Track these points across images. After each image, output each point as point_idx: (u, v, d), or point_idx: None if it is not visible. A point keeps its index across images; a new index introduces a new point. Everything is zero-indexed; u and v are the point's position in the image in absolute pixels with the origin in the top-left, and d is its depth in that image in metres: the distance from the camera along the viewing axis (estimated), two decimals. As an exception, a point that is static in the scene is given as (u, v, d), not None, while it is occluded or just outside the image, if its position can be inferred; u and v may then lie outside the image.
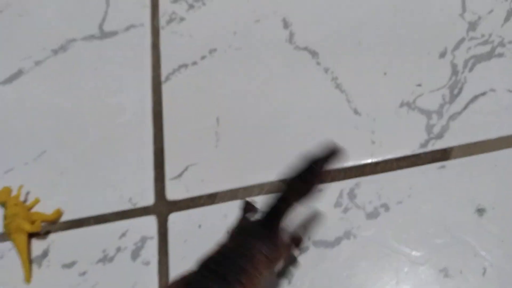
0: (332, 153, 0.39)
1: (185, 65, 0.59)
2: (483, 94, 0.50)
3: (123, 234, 0.51)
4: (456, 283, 0.42)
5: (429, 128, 0.50)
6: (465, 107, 0.50)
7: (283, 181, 0.39)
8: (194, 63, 0.59)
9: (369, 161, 0.50)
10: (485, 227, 0.44)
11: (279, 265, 0.43)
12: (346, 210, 0.47)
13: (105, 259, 0.50)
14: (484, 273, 0.42)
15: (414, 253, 0.44)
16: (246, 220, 0.42)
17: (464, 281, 0.42)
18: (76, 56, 0.63)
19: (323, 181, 0.40)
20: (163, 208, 0.52)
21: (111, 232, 0.52)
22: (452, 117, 0.50)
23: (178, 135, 0.56)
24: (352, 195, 0.48)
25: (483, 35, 0.52)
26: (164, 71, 0.60)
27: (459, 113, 0.50)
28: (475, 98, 0.50)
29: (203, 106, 0.57)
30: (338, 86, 0.54)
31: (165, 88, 0.59)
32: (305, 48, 0.57)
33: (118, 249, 0.51)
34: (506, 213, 0.44)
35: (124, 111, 0.59)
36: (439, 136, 0.49)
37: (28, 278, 0.50)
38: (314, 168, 0.39)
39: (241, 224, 0.42)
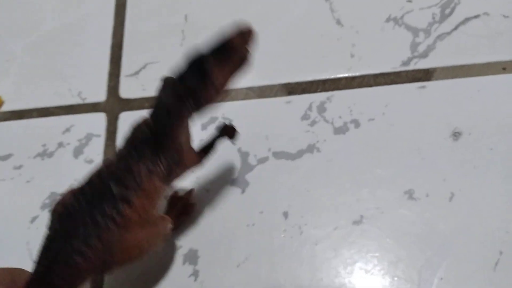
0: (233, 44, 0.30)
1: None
2: (476, 16, 0.46)
3: (67, 130, 0.47)
4: (420, 206, 0.39)
5: (414, 46, 0.46)
6: (455, 28, 0.46)
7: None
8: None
9: (345, 75, 0.45)
10: (459, 152, 0.40)
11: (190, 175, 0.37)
12: (313, 123, 0.43)
13: (44, 153, 0.46)
14: (451, 198, 0.39)
15: (379, 171, 0.40)
16: (139, 128, 0.33)
17: (429, 204, 0.39)
18: None
19: (217, 81, 0.30)
20: (114, 105, 0.47)
21: (54, 127, 0.47)
22: (440, 37, 0.46)
23: (140, 30, 0.50)
24: (322, 108, 0.44)
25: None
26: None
27: (448, 33, 0.46)
28: (467, 20, 0.46)
29: (172, 1, 0.51)
30: (323, -5, 0.49)
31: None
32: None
33: (60, 145, 0.46)
34: (483, 139, 0.40)
35: (84, 3, 0.53)
36: (424, 55, 0.45)
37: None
38: (202, 66, 0.30)
39: (133, 133, 0.33)
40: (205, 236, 0.40)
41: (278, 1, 0.49)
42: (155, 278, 0.39)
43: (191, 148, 0.34)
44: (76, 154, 0.45)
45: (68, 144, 0.46)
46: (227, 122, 0.38)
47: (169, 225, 0.34)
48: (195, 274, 0.39)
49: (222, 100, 0.33)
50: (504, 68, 0.44)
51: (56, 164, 0.42)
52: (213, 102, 0.31)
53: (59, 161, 0.44)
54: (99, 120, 0.47)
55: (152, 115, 0.32)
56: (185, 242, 0.40)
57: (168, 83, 0.31)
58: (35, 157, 0.45)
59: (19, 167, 0.45)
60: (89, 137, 0.46)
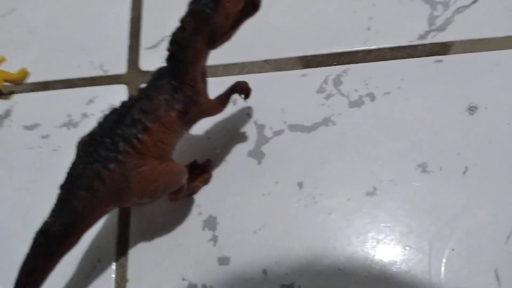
0: None
1: None
2: (499, -12, 0.45)
3: (91, 101, 0.48)
4: (432, 179, 0.39)
5: (431, 19, 0.45)
6: (475, 1, 0.45)
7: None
8: None
9: (361, 48, 0.45)
10: (474, 126, 0.41)
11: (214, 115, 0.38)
12: (328, 96, 0.44)
13: (70, 123, 0.47)
14: (465, 172, 0.39)
15: (393, 145, 0.41)
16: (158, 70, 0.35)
17: (442, 178, 0.39)
18: None
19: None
20: (135, 77, 0.48)
21: (78, 98, 0.49)
22: (459, 10, 0.45)
23: (158, 3, 0.51)
24: (338, 81, 0.44)
25: None
26: None
27: (467, 6, 0.45)
28: (489, -8, 0.45)
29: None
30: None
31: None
32: None
33: (84, 115, 0.48)
34: (499, 114, 0.41)
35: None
36: (441, 28, 0.45)
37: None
38: None
39: (157, 69, 0.35)
40: (224, 204, 0.41)
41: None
42: (176, 241, 0.41)
43: (206, 91, 0.36)
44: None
45: (92, 114, 0.47)
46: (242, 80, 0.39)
47: (186, 174, 0.36)
48: (214, 239, 0.41)
49: (232, 34, 0.34)
50: (525, 42, 0.43)
51: (81, 133, 0.44)
52: (224, 28, 0.33)
53: (84, 131, 0.46)
54: (121, 91, 0.48)
55: (171, 42, 0.33)
56: (205, 209, 0.41)
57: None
58: (61, 126, 0.47)
59: (46, 136, 0.47)
60: (111, 108, 0.47)
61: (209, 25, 0.32)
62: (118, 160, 0.31)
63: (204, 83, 0.36)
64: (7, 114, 0.49)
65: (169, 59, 0.34)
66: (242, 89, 0.40)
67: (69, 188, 0.32)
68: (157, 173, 0.33)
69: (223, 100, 0.38)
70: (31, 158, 0.46)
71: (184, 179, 0.36)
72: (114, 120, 0.32)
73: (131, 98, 0.34)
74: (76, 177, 0.32)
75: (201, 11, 0.32)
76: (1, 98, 0.49)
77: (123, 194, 0.32)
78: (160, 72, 0.34)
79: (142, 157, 0.32)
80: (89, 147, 0.32)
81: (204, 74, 0.36)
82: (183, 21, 0.33)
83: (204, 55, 0.34)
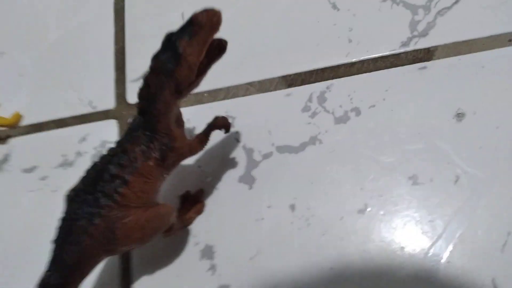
0: (200, 19, 0.31)
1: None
2: (480, -14, 0.44)
3: (83, 138, 0.49)
4: (425, 191, 0.39)
5: (413, 24, 0.45)
6: (456, 1, 0.44)
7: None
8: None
9: (344, 61, 0.45)
10: (463, 133, 0.40)
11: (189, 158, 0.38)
12: (314, 114, 0.44)
13: (65, 163, 0.49)
14: (456, 181, 0.39)
15: (382, 158, 0.41)
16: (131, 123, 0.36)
17: (434, 189, 0.39)
18: None
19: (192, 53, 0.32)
20: (123, 111, 0.49)
21: (71, 136, 0.50)
22: (440, 13, 0.44)
23: (140, 33, 0.51)
24: (322, 98, 0.44)
25: None
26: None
27: (449, 8, 0.44)
28: (470, -10, 0.44)
29: (167, 1, 0.51)
30: (317, -21, 0.48)
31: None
32: None
33: (78, 154, 0.49)
34: (488, 118, 0.40)
35: (85, 9, 0.54)
36: (424, 33, 0.44)
37: (-12, 181, 0.49)
38: (173, 41, 0.32)
39: (132, 120, 0.36)
40: (219, 232, 0.42)
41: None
42: (177, 273, 0.41)
43: (182, 134, 0.36)
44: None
45: (86, 152, 0.48)
46: (220, 115, 0.40)
47: (174, 213, 0.37)
48: (213, 268, 0.41)
49: (200, 81, 0.35)
50: (510, 40, 0.42)
51: (77, 172, 0.45)
52: (190, 79, 0.33)
53: (79, 169, 0.47)
54: (111, 126, 0.49)
55: (139, 98, 0.34)
56: (201, 239, 0.42)
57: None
58: (57, 167, 0.48)
59: (44, 178, 0.48)
60: (103, 144, 0.48)
61: (173, 79, 0.32)
62: (101, 214, 0.32)
63: (180, 126, 0.36)
64: (6, 159, 0.50)
65: (140, 113, 0.34)
66: (221, 124, 0.40)
67: (60, 244, 0.33)
68: (142, 221, 0.34)
69: (203, 139, 0.38)
70: (32, 200, 0.48)
71: (172, 218, 0.37)
72: (94, 177, 0.33)
73: (109, 152, 0.34)
74: (66, 233, 0.33)
75: (163, 67, 0.32)
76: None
77: (111, 245, 0.33)
78: (134, 123, 0.35)
79: (125, 208, 0.33)
80: (74, 204, 0.33)
81: (179, 117, 0.36)
82: (147, 78, 0.33)
83: (174, 104, 0.34)
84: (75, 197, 0.33)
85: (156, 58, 0.33)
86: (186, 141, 0.37)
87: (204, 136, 0.38)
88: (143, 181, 0.34)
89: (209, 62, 0.34)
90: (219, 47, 0.34)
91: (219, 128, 0.40)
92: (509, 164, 0.38)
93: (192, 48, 0.32)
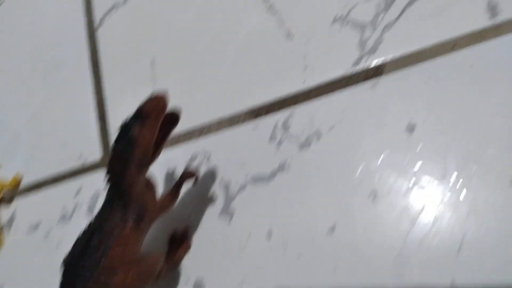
0: (147, 109, 0.37)
1: (116, 5, 0.57)
2: (421, -5, 0.46)
3: (78, 192, 0.53)
4: (383, 205, 0.42)
5: (362, 43, 0.47)
6: (401, 13, 0.46)
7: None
8: (125, 2, 0.57)
9: (302, 88, 0.48)
10: (415, 144, 0.42)
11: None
12: (280, 142, 0.47)
13: (65, 217, 0.53)
14: (410, 190, 0.41)
15: (344, 177, 0.43)
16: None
17: (391, 202, 0.42)
18: (11, 11, 0.62)
19: (147, 139, 0.37)
20: (110, 162, 0.53)
21: (67, 191, 0.54)
22: (387, 27, 0.46)
23: (117, 83, 0.55)
24: (286, 126, 0.47)
25: None
26: (97, 15, 0.58)
27: (395, 21, 0.46)
28: (411, 1, 0.46)
29: (138, 47, 0.55)
30: (270, 8, 0.51)
31: (100, 34, 0.57)
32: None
33: (75, 206, 0.53)
34: (438, 126, 0.42)
35: (63, 66, 0.58)
36: (372, 50, 0.46)
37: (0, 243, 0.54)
38: (128, 132, 0.37)
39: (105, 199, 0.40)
40: (207, 265, 0.46)
41: (226, 24, 0.52)
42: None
43: (153, 197, 0.40)
44: (90, 211, 0.52)
45: (82, 204, 0.53)
46: (186, 168, 0.43)
47: (160, 260, 0.41)
48: (206, 300, 0.45)
49: (160, 151, 0.40)
50: (454, 46, 0.44)
51: (76, 225, 0.50)
52: (147, 156, 0.38)
53: (78, 221, 0.51)
54: (101, 177, 0.53)
55: (107, 174, 0.38)
56: (192, 273, 0.46)
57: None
58: (58, 222, 0.53)
59: (47, 234, 0.53)
60: (97, 194, 0.52)
61: (133, 160, 0.36)
62: (92, 281, 0.36)
63: (151, 189, 0.40)
64: (12, 219, 0.55)
65: (111, 187, 0.38)
66: (189, 177, 0.44)
67: None
68: (129, 279, 0.38)
69: (173, 194, 0.42)
70: (40, 256, 0.52)
71: (161, 264, 0.41)
72: (82, 243, 0.37)
73: (89, 224, 0.38)
74: None
75: (122, 152, 0.36)
76: (4, 206, 0.55)
77: None
78: (109, 194, 0.39)
79: (111, 271, 0.37)
80: (67, 271, 0.37)
81: (148, 182, 0.40)
82: (111, 162, 0.38)
83: (140, 176, 0.38)
84: (68, 265, 0.37)
85: (115, 145, 0.37)
86: (157, 202, 0.40)
87: (174, 192, 0.42)
88: (124, 245, 0.38)
89: (165, 134, 0.39)
90: (172, 120, 0.38)
91: (188, 180, 0.44)
92: (462, 172, 0.40)
93: (144, 133, 0.37)
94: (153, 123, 0.37)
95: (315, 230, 0.43)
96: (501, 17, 0.43)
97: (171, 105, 0.50)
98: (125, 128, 0.37)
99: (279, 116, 0.48)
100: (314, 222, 0.43)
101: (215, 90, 0.51)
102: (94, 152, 0.54)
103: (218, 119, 0.50)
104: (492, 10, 0.43)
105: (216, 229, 0.46)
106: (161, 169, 0.50)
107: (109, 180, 0.38)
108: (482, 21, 0.43)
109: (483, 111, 0.41)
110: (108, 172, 0.38)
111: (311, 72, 0.48)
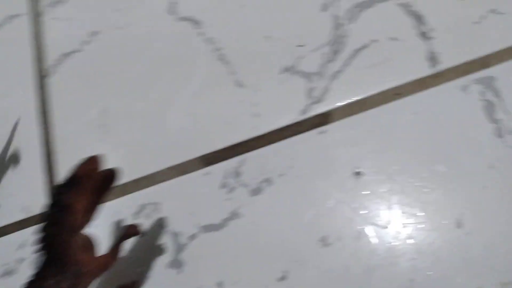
0: (77, 176, 0.37)
1: (67, 54, 0.57)
2: (365, 46, 0.48)
3: (21, 245, 0.51)
4: (334, 250, 0.42)
5: (309, 92, 0.48)
6: (347, 63, 0.48)
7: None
8: (77, 50, 0.57)
9: (252, 135, 0.48)
10: (361, 190, 0.43)
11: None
12: (231, 190, 0.46)
13: (7, 272, 0.50)
14: (358, 238, 0.42)
15: (293, 224, 0.43)
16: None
17: (341, 247, 0.42)
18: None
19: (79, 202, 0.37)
20: (57, 212, 0.51)
21: (10, 244, 0.51)
22: (334, 76, 0.48)
23: (67, 133, 0.54)
24: (236, 173, 0.47)
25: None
26: (48, 64, 0.57)
27: (341, 71, 0.48)
28: (357, 51, 0.48)
29: (89, 97, 0.54)
30: (221, 57, 0.52)
31: (50, 83, 0.57)
32: (188, 18, 0.54)
33: (18, 261, 0.50)
34: (383, 171, 0.43)
35: (12, 115, 0.57)
36: (320, 99, 0.47)
37: None
38: (59, 195, 0.36)
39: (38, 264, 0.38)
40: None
41: (177, 74, 0.52)
42: None
43: (91, 257, 0.39)
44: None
45: (25, 259, 0.50)
46: (128, 223, 0.42)
47: None
48: None
49: (94, 214, 0.39)
50: (396, 94, 0.46)
51: (19, 280, 0.47)
52: (79, 219, 0.37)
53: (21, 276, 0.49)
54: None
55: (41, 242, 0.37)
56: (140, 330, 0.44)
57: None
58: (1, 276, 0.50)
59: (-11, 289, 0.50)
60: (42, 247, 0.50)
61: (65, 225, 0.36)
62: None
63: (89, 250, 0.39)
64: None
65: (45, 252, 0.37)
66: (131, 233, 0.43)
67: None
68: None
69: (113, 252, 0.41)
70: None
71: None
72: None
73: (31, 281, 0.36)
74: None
75: (54, 218, 0.36)
76: None
77: None
78: (41, 259, 0.37)
79: None
80: None
81: (86, 242, 0.39)
82: (44, 229, 0.36)
83: (74, 240, 0.37)
84: None
85: (47, 212, 0.36)
86: (96, 262, 0.39)
87: (115, 249, 0.41)
88: None
89: (101, 194, 0.38)
90: (108, 179, 0.39)
91: (130, 237, 0.43)
92: (407, 216, 0.41)
93: (75, 197, 0.36)
94: (84, 186, 0.37)
95: (267, 278, 0.42)
96: (441, 66, 0.45)
97: (117, 157, 0.50)
98: (58, 194, 0.36)
99: (230, 164, 0.48)
100: (266, 269, 0.43)
101: (166, 138, 0.50)
102: (40, 204, 0.52)
103: (169, 167, 0.49)
104: (433, 59, 0.46)
105: (165, 281, 0.45)
106: (107, 221, 0.48)
107: (43, 247, 0.37)
108: (423, 70, 0.45)
109: (427, 158, 0.42)
110: (42, 237, 0.37)
111: (262, 120, 0.48)
